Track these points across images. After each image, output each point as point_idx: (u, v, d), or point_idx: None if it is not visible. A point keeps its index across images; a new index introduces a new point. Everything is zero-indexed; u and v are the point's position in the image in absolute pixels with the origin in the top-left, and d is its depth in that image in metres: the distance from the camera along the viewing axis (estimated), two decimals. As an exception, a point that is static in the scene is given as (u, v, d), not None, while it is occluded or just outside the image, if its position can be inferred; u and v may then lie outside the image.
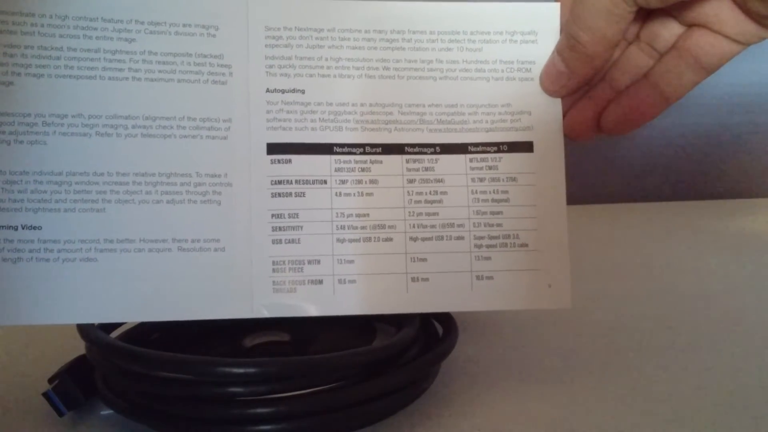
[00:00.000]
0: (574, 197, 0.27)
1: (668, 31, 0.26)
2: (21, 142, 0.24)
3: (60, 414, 0.25)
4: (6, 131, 0.24)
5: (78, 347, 0.26)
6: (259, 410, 0.22)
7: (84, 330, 0.25)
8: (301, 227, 0.26)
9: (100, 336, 0.25)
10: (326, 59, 0.27)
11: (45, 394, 0.25)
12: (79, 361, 0.26)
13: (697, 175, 0.79)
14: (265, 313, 0.25)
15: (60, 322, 0.24)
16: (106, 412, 0.25)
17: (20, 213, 0.24)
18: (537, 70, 0.27)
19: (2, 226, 0.24)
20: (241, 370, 0.22)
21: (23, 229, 0.24)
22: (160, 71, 0.26)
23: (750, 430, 0.24)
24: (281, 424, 0.23)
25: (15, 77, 0.25)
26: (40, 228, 0.24)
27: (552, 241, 0.26)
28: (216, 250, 0.25)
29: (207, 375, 0.23)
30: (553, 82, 0.27)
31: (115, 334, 0.28)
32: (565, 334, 0.33)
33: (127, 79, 0.26)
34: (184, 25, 0.26)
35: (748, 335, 0.33)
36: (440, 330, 0.29)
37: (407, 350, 0.26)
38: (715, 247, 0.54)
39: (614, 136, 0.27)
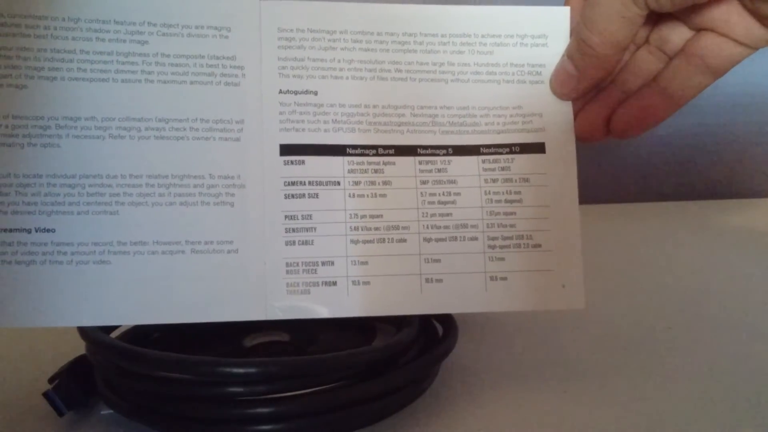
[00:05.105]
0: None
1: (677, 35, 0.26)
2: (34, 145, 0.24)
3: (60, 414, 0.25)
4: (19, 134, 0.24)
5: (78, 347, 0.26)
6: (259, 410, 0.22)
7: (84, 330, 0.25)
8: (315, 228, 0.26)
9: (100, 336, 0.25)
10: (339, 61, 0.27)
11: (45, 394, 0.25)
12: (79, 361, 0.26)
13: (698, 175, 0.80)
14: (279, 315, 0.25)
15: (73, 324, 0.25)
16: (106, 412, 0.25)
17: (34, 216, 0.24)
18: (547, 73, 0.28)
19: (16, 229, 0.24)
20: (242, 370, 0.22)
21: (37, 231, 0.24)
22: (172, 73, 0.26)
23: (752, 430, 0.24)
24: (281, 424, 0.23)
25: (28, 80, 0.24)
26: (53, 231, 0.24)
27: (565, 242, 0.27)
28: (229, 251, 0.25)
29: (207, 375, 0.23)
30: (562, 85, 0.27)
31: (115, 334, 0.27)
32: (566, 334, 0.34)
33: (139, 81, 0.26)
34: (197, 27, 0.26)
35: (751, 335, 0.33)
36: (440, 330, 0.29)
37: (407, 350, 0.26)
38: (717, 247, 0.54)
39: (623, 139, 0.27)
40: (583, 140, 0.28)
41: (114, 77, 0.25)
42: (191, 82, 0.26)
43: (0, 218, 0.24)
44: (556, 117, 0.27)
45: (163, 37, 0.26)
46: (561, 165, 0.27)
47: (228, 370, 0.22)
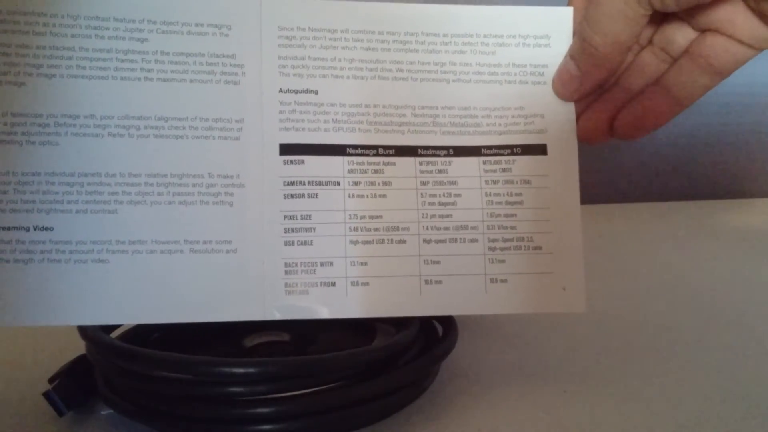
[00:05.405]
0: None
1: (682, 35, 0.26)
2: (33, 142, 0.24)
3: (60, 414, 0.24)
4: (18, 132, 0.24)
5: (78, 347, 0.26)
6: (260, 410, 0.22)
7: (84, 330, 0.25)
8: (314, 229, 0.26)
9: (100, 336, 0.25)
10: (340, 60, 0.27)
11: (45, 394, 0.24)
12: (79, 361, 0.26)
13: (699, 175, 0.80)
14: (277, 315, 0.25)
15: (71, 323, 0.24)
16: (106, 412, 0.25)
17: (32, 214, 0.24)
18: (550, 73, 0.27)
19: (14, 227, 0.24)
20: (242, 370, 0.22)
21: (35, 230, 0.24)
22: (172, 71, 0.26)
23: (753, 430, 0.24)
24: (281, 424, 0.23)
25: (27, 77, 0.24)
26: (51, 229, 0.24)
27: (566, 244, 0.27)
28: (228, 251, 0.25)
29: (207, 375, 0.23)
30: (565, 85, 0.27)
31: (115, 334, 0.27)
32: (566, 334, 0.34)
33: (139, 79, 0.25)
34: (197, 25, 0.26)
35: (752, 335, 0.33)
36: (440, 330, 0.29)
37: (407, 350, 0.26)
38: (718, 247, 0.54)
39: (627, 141, 0.27)
40: (586, 141, 0.28)
41: (113, 75, 0.25)
42: (191, 81, 0.26)
43: None
44: (558, 118, 0.27)
45: (162, 34, 0.26)
46: (562, 167, 0.27)
47: (228, 370, 0.22)
